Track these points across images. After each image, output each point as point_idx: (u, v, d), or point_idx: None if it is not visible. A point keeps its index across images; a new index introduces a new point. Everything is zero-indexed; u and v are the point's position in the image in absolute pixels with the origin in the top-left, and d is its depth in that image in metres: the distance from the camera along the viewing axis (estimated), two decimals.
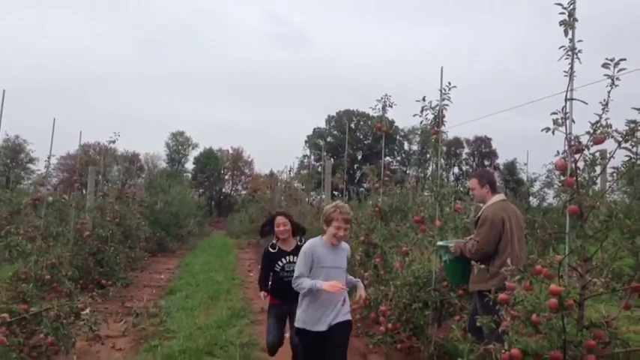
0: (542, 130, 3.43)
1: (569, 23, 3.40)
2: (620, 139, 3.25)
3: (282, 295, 4.88)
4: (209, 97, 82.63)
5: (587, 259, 3.30)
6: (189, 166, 63.87)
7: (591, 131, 3.30)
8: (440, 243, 5.15)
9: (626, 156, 3.26)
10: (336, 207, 3.95)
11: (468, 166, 59.89)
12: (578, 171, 3.32)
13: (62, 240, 8.57)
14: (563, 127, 3.38)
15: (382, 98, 6.73)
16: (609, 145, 3.30)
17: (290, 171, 17.51)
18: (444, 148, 6.04)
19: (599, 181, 3.47)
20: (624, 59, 3.25)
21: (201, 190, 60.11)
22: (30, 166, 46.28)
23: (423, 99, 5.53)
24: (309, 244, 4.05)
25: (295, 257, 4.86)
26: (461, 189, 8.30)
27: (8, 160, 45.59)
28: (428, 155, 6.15)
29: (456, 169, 60.47)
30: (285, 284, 4.87)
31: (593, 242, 3.25)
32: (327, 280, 3.85)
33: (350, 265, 5.02)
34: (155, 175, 28.92)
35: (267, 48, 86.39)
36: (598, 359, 3.13)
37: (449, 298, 5.53)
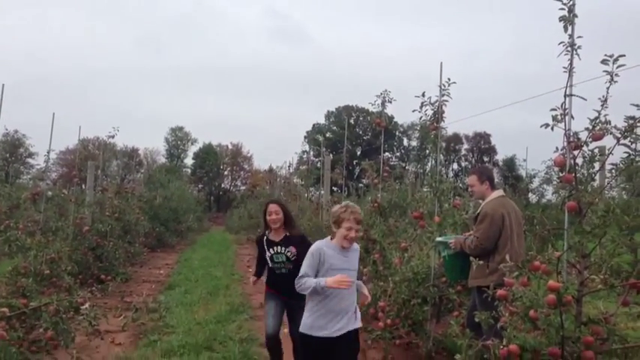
0: (541, 127, 3.43)
1: (568, 19, 3.40)
2: (619, 135, 3.25)
3: (276, 287, 4.79)
4: (208, 92, 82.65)
5: (585, 256, 3.30)
6: (189, 161, 64.02)
7: (590, 127, 3.30)
8: (439, 239, 5.16)
9: (625, 152, 3.26)
10: (347, 207, 3.69)
11: (467, 162, 59.89)
12: (577, 167, 3.32)
13: (61, 235, 8.58)
14: (562, 124, 3.38)
15: (381, 94, 6.72)
16: (608, 141, 3.31)
17: (289, 167, 17.55)
18: (443, 144, 6.04)
19: (597, 177, 3.47)
20: (623, 55, 3.25)
21: (200, 186, 60.16)
22: (29, 160, 46.30)
23: (423, 95, 5.53)
24: (317, 245, 3.76)
25: (283, 248, 4.78)
26: (460, 185, 8.31)
27: (7, 155, 45.55)
28: (427, 151, 6.15)
29: (455, 165, 60.55)
30: (277, 276, 4.81)
31: (592, 238, 3.26)
32: None
33: None
34: (154, 171, 28.98)
35: (266, 43, 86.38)
36: (596, 355, 3.14)
37: (447, 294, 5.54)
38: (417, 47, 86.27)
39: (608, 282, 3.20)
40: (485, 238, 4.71)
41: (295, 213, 10.74)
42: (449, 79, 5.40)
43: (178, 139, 64.20)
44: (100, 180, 12.69)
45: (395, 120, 54.42)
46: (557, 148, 3.44)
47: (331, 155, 13.91)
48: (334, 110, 63.91)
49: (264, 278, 5.07)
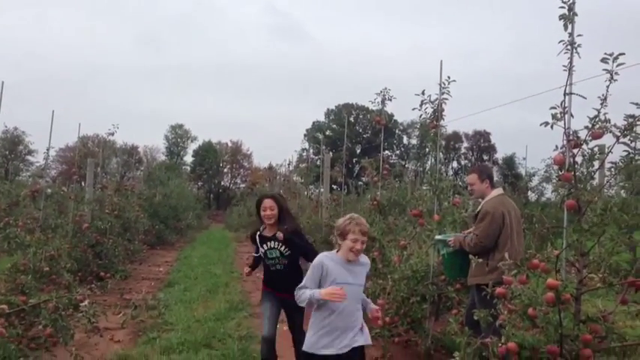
0: (540, 125, 3.43)
1: (568, 17, 3.40)
2: (619, 133, 3.25)
3: (272, 284, 4.71)
4: (208, 90, 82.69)
5: (584, 254, 3.31)
6: (188, 158, 63.98)
7: (590, 126, 3.30)
8: (438, 237, 5.16)
9: (625, 151, 3.27)
10: (351, 218, 3.59)
11: (466, 161, 59.91)
12: (576, 165, 3.32)
13: (61, 232, 8.58)
14: (562, 122, 3.38)
15: (381, 92, 6.70)
16: (608, 139, 3.31)
17: (289, 164, 17.53)
18: (443, 142, 6.05)
19: (597, 175, 3.48)
20: (623, 54, 3.25)
21: (200, 183, 60.14)
22: (29, 157, 46.37)
23: (423, 93, 5.52)
24: (320, 257, 3.65)
25: (275, 243, 4.67)
26: (459, 183, 8.30)
27: (7, 152, 45.57)
28: (427, 149, 6.14)
29: (454, 164, 60.54)
30: (272, 273, 4.71)
31: (591, 237, 3.26)
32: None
33: None
34: (154, 168, 28.96)
35: (267, 42, 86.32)
36: (594, 353, 3.14)
37: (446, 292, 5.55)
38: (417, 46, 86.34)
39: (607, 280, 3.20)
40: (485, 236, 4.71)
41: (295, 211, 10.75)
42: (449, 78, 5.40)
43: (178, 137, 64.17)
44: (100, 177, 12.68)
45: (395, 118, 54.38)
46: (556, 147, 3.44)
47: (331, 153, 13.91)
48: (334, 108, 63.91)
49: (260, 274, 5.00)
